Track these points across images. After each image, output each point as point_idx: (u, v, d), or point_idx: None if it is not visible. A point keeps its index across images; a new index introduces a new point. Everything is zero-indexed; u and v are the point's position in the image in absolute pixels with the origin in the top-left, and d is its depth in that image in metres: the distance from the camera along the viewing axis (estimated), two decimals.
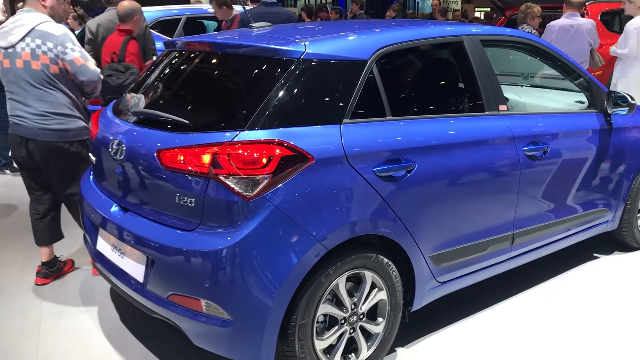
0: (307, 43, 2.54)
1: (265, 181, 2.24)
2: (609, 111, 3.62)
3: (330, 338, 2.52)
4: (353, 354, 2.64)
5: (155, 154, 2.43)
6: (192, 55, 2.91)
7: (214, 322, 2.32)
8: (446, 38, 3.07)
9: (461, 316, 3.24)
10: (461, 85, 3.18)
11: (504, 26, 7.33)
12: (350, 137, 2.45)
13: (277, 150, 2.27)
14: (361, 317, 2.61)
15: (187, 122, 2.48)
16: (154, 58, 5.04)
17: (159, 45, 5.65)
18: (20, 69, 3.45)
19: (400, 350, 2.91)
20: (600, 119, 3.62)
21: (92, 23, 5.51)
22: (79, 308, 3.35)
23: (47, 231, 3.70)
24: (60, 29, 3.49)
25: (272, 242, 2.27)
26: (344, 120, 2.48)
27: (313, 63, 2.49)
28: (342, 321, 2.55)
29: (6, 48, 3.47)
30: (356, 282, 2.61)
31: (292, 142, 2.31)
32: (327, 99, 2.50)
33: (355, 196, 2.45)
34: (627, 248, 4.13)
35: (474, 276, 3.09)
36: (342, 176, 2.41)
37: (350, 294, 2.57)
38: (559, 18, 6.31)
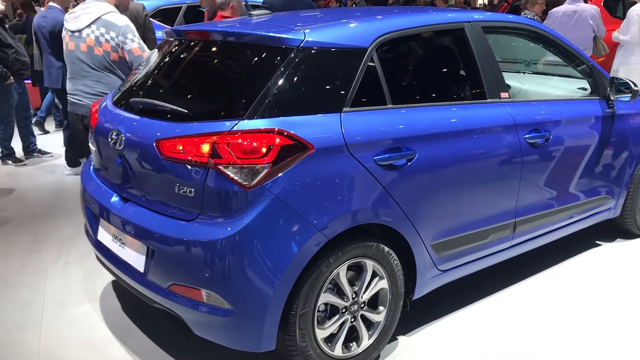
0: (306, 31, 2.51)
1: (265, 171, 2.23)
2: (612, 98, 3.59)
3: (331, 327, 2.52)
4: (354, 343, 2.64)
5: (154, 144, 2.42)
6: (192, 44, 2.89)
7: (215, 312, 2.32)
8: (447, 25, 3.04)
9: (463, 304, 3.23)
10: (462, 72, 3.16)
11: (507, 12, 7.28)
12: (351, 125, 2.44)
13: (277, 140, 2.26)
14: (362, 306, 2.61)
15: (186, 111, 2.46)
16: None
17: (159, 34, 5.63)
18: (83, 52, 3.95)
19: (401, 339, 2.92)
20: (603, 106, 3.59)
21: None
22: (81, 298, 3.36)
23: None
24: (123, 20, 3.94)
25: (273, 232, 2.26)
26: (344, 109, 2.46)
27: (313, 51, 2.47)
28: (343, 310, 2.55)
29: (73, 32, 3.95)
30: (357, 271, 2.60)
31: (292, 131, 2.29)
32: (327, 87, 2.48)
33: (356, 185, 2.44)
34: (629, 235, 4.12)
35: (475, 264, 3.09)
36: (342, 165, 2.39)
37: (351, 283, 2.57)
38: (562, 4, 6.25)
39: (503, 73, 3.16)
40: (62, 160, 6.03)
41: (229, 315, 2.30)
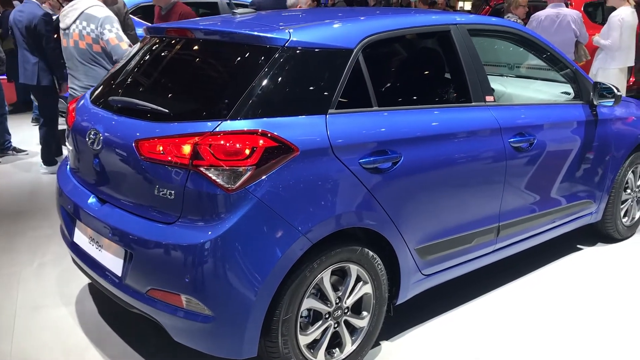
0: (291, 30, 2.46)
1: (249, 173, 2.18)
2: (595, 103, 3.60)
3: (314, 333, 2.47)
4: (337, 349, 2.60)
5: (133, 144, 2.35)
6: (173, 42, 2.81)
7: (195, 318, 2.26)
8: (433, 27, 3.01)
9: (446, 309, 3.21)
10: (448, 75, 3.13)
11: (489, 15, 7.31)
12: (336, 127, 2.39)
13: (261, 141, 2.20)
14: (346, 311, 2.56)
15: (167, 111, 2.40)
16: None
17: (139, 31, 5.53)
18: (72, 47, 4.21)
19: (385, 344, 2.88)
20: (586, 111, 3.60)
21: None
22: (56, 301, 3.26)
23: None
24: (104, 12, 4.09)
25: (255, 236, 2.20)
26: (330, 111, 2.41)
27: (298, 51, 2.42)
28: (327, 315, 2.50)
29: (64, 29, 4.21)
30: (341, 276, 2.56)
31: (276, 133, 2.24)
32: (312, 88, 2.43)
33: (341, 188, 2.39)
34: (610, 240, 4.14)
35: (459, 268, 3.06)
36: (327, 168, 2.35)
37: (335, 288, 2.52)
38: (545, 8, 6.28)
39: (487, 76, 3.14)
40: (38, 159, 5.90)
41: (210, 322, 2.24)
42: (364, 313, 2.65)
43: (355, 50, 2.53)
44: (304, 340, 2.44)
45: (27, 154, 6.42)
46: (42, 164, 5.78)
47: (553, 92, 3.95)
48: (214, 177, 2.16)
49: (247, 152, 2.18)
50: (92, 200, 2.65)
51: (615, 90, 3.56)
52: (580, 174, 3.61)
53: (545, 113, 3.41)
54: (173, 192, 2.24)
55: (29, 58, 5.56)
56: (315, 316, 2.50)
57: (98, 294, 3.25)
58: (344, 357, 2.60)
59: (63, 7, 4.83)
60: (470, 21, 3.15)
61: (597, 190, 3.78)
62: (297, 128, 2.32)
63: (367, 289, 2.61)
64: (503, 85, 4.08)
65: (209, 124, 2.24)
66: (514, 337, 2.98)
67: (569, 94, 3.76)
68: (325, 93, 2.43)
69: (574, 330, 3.05)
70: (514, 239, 3.32)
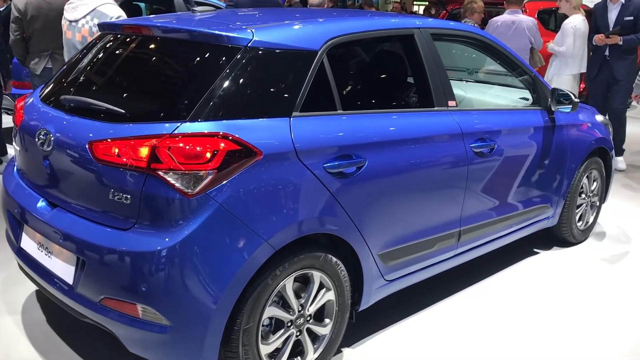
0: (254, 30, 2.39)
1: (210, 177, 2.09)
2: (553, 109, 3.65)
3: (276, 342, 2.40)
4: (299, 358, 2.53)
5: (87, 146, 2.23)
6: (129, 39, 2.70)
7: (151, 328, 2.15)
8: (397, 30, 2.98)
9: (406, 314, 3.19)
10: (411, 79, 3.12)
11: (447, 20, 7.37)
12: (300, 131, 2.33)
13: (222, 144, 2.12)
14: (308, 318, 2.50)
15: (123, 111, 2.29)
16: None
17: None
18: (78, 41, 4.11)
19: (346, 351, 2.83)
20: (544, 117, 3.65)
21: (19, 1, 5.11)
22: (0, 310, 3.08)
23: None
24: (115, 11, 4.03)
25: (216, 243, 2.12)
26: (294, 114, 2.35)
27: (260, 52, 2.35)
28: (289, 324, 2.43)
29: (71, 21, 4.11)
30: (303, 283, 2.50)
31: (238, 136, 2.16)
32: (275, 90, 2.37)
33: (305, 193, 2.33)
34: (565, 244, 4.21)
35: (420, 273, 3.05)
36: (291, 172, 2.28)
37: (297, 295, 2.46)
38: (502, 14, 6.38)
39: None
40: None
41: (167, 332, 2.14)
42: (327, 320, 2.59)
43: (319, 52, 2.48)
44: (265, 349, 2.37)
45: None
46: None
47: (512, 97, 3.99)
48: (172, 181, 2.07)
49: (208, 155, 2.10)
50: (41, 204, 2.51)
51: (573, 97, 3.62)
52: (539, 179, 3.65)
53: (506, 118, 3.44)
54: (129, 196, 2.13)
55: None
56: (276, 324, 2.43)
57: (46, 302, 3.09)
58: None
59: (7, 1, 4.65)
60: (433, 25, 3.14)
61: (554, 194, 3.84)
62: (260, 131, 2.25)
63: (330, 295, 2.56)
64: (463, 90, 4.11)
65: (168, 125, 2.15)
66: (473, 342, 2.98)
67: (527, 99, 3.80)
68: (289, 95, 2.37)
69: (530, 333, 3.08)
70: (474, 243, 3.33)
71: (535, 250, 4.14)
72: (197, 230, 2.09)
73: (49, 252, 2.46)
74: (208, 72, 2.30)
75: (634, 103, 8.14)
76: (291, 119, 2.34)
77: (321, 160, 2.38)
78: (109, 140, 2.19)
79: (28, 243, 2.61)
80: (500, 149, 3.24)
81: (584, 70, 6.41)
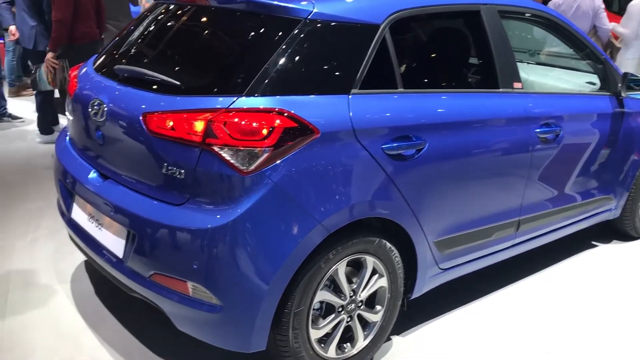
0: (314, 1, 2.27)
1: (265, 155, 2.01)
2: (623, 94, 3.43)
3: (326, 327, 2.33)
4: (348, 344, 2.46)
5: (140, 118, 2.17)
6: (186, 9, 2.62)
7: (201, 307, 2.10)
8: (462, 6, 2.81)
9: (460, 303, 3.07)
10: (476, 58, 2.95)
11: None
12: (359, 109, 2.22)
13: (278, 121, 2.03)
14: (359, 304, 2.42)
15: (178, 83, 2.21)
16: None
17: None
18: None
19: (396, 339, 2.74)
20: (613, 103, 3.43)
21: None
22: (50, 279, 3.10)
23: None
24: None
25: (270, 223, 2.04)
26: (353, 91, 2.24)
27: (320, 24, 2.23)
28: (340, 309, 2.35)
29: None
30: (355, 267, 2.41)
31: (294, 112, 2.06)
32: (334, 65, 2.25)
33: (362, 175, 2.23)
34: (626, 237, 4.00)
35: (476, 263, 2.92)
36: (348, 153, 2.18)
37: (349, 280, 2.37)
38: None
39: None
40: (34, 127, 5.70)
41: (217, 311, 2.09)
42: (378, 307, 2.50)
43: (382, 26, 2.35)
44: (315, 334, 2.29)
45: (24, 121, 6.21)
46: (38, 132, 5.59)
47: (576, 81, 3.78)
48: (227, 158, 2.00)
49: (265, 132, 2.01)
50: (93, 175, 2.48)
51: None
52: (602, 169, 3.46)
53: (572, 103, 3.24)
54: (183, 171, 2.07)
55: (27, 21, 5.33)
56: (327, 309, 2.35)
57: (95, 273, 3.09)
58: (355, 352, 2.46)
59: None
60: (501, 2, 2.96)
61: (618, 186, 3.63)
62: (318, 108, 2.15)
63: (383, 282, 2.46)
64: (524, 72, 3.90)
65: (223, 99, 2.07)
66: (528, 334, 2.85)
67: (593, 84, 3.59)
68: (349, 71, 2.26)
69: (585, 327, 2.94)
70: (533, 233, 3.18)
71: (594, 242, 3.94)
72: (251, 209, 2.01)
73: (100, 224, 2.43)
74: (266, 45, 2.20)
75: None
76: (350, 96, 2.22)
77: (379, 141, 2.26)
78: (163, 112, 2.13)
79: (79, 214, 2.59)
80: (565, 135, 3.06)
81: None
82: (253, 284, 2.05)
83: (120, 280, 2.36)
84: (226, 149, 2.00)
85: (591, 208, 3.51)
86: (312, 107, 2.13)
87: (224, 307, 2.07)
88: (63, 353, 2.53)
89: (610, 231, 4.01)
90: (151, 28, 2.70)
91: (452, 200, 2.62)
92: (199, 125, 2.02)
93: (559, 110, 3.08)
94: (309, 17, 2.21)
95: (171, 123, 2.08)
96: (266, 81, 2.09)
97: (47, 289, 3.01)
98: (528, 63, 4.28)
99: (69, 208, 2.68)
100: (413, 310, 2.84)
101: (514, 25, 3.78)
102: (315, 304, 2.27)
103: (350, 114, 2.19)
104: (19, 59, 7.23)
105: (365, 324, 2.49)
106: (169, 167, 2.10)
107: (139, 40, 2.67)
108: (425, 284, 2.67)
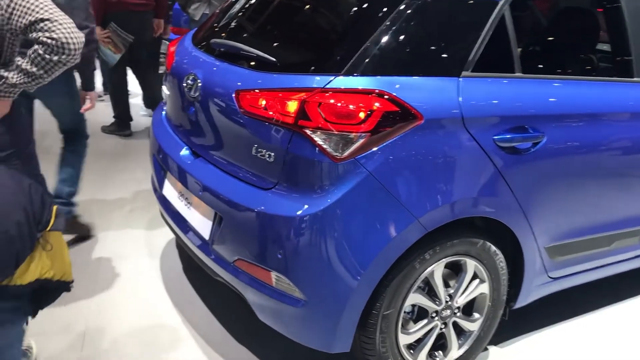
0: None
1: (361, 141, 1.82)
2: None
3: (417, 333, 2.13)
4: (440, 352, 2.25)
5: (233, 95, 2.05)
6: None
7: (283, 299, 1.98)
8: None
9: (569, 314, 2.77)
10: (608, 42, 2.59)
11: None
12: (470, 94, 1.98)
13: (377, 104, 1.83)
14: (456, 311, 2.20)
15: (274, 60, 2.07)
16: None
17: None
18: None
19: (493, 349, 2.50)
20: None
21: None
22: (141, 253, 3.12)
23: None
24: None
25: (362, 216, 1.86)
26: (464, 73, 1.99)
27: None
28: (434, 314, 2.14)
29: None
30: (454, 270, 2.18)
31: (396, 95, 1.86)
32: (444, 44, 2.02)
33: (469, 169, 1.99)
34: None
35: (592, 273, 2.60)
36: (455, 142, 1.95)
37: (446, 284, 2.15)
38: None
39: None
40: (140, 100, 5.84)
41: (300, 306, 1.95)
42: (476, 315, 2.27)
43: (501, 1, 2.08)
44: (404, 339, 2.11)
45: (130, 94, 6.39)
46: (143, 105, 5.73)
47: None
48: (320, 142, 1.83)
49: (362, 115, 1.82)
50: (184, 152, 2.41)
51: None
52: None
53: None
54: (272, 154, 1.93)
55: None
56: (419, 314, 2.15)
57: (185, 251, 3.06)
58: None
59: None
60: None
61: None
62: (423, 91, 1.93)
63: (484, 288, 2.22)
64: None
65: (320, 78, 1.90)
66: None
67: None
68: (461, 51, 2.01)
69: None
70: None
71: None
72: (342, 199, 1.84)
73: (189, 202, 2.37)
74: (369, 20, 2.00)
75: None
76: (460, 79, 1.98)
77: (491, 131, 2.01)
78: (257, 90, 2.00)
79: (169, 190, 2.55)
80: None
81: None
82: (340, 280, 1.89)
83: (205, 263, 2.29)
84: (319, 133, 1.83)
85: None
86: (416, 89, 1.92)
87: (308, 302, 1.93)
88: (146, 329, 2.52)
89: None
90: (250, 3, 2.58)
91: (569, 202, 2.31)
92: (292, 106, 1.87)
93: None
94: None
95: (264, 102, 1.95)
96: (367, 60, 1.90)
97: (137, 263, 3.02)
98: None
99: (161, 184, 2.65)
100: (515, 319, 2.57)
101: None
102: (407, 307, 2.07)
103: (460, 99, 1.96)
104: None
105: (460, 332, 2.27)
106: (259, 149, 1.98)
107: (237, 16, 2.56)
108: (531, 293, 2.39)
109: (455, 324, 2.23)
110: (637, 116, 2.40)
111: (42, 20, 1.76)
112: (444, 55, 2.01)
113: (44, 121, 3.28)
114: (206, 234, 2.22)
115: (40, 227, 1.62)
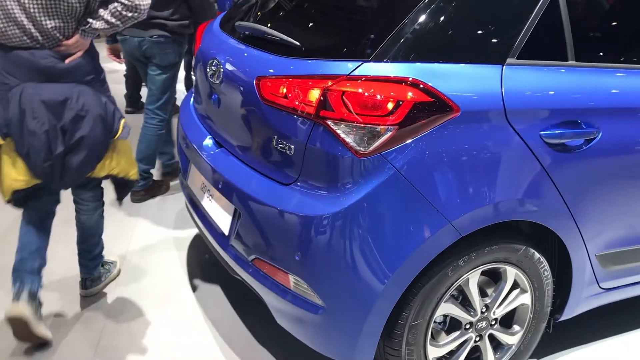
0: None
1: (388, 134, 1.64)
2: None
3: (449, 345, 1.95)
4: None
5: (254, 82, 1.90)
6: None
7: (301, 304, 1.83)
8: None
9: (619, 329, 2.52)
10: None
11: None
12: (515, 84, 1.76)
13: (410, 93, 1.65)
14: (492, 323, 2.00)
15: (298, 43, 1.90)
16: None
17: None
18: None
19: None
20: None
21: None
22: (168, 244, 3.05)
23: None
24: None
25: (387, 217, 1.69)
26: (508, 60, 1.77)
27: None
28: (467, 326, 1.95)
29: None
30: (492, 278, 1.98)
31: (430, 84, 1.66)
32: (488, 27, 1.80)
33: (510, 167, 1.78)
34: None
35: None
36: (495, 138, 1.74)
37: (483, 293, 1.96)
38: None
39: None
40: (182, 86, 5.79)
41: (319, 312, 1.79)
42: (516, 327, 2.07)
43: None
44: (434, 352, 1.93)
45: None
46: (185, 89, 5.68)
47: None
48: (342, 135, 1.66)
49: (390, 106, 1.64)
50: (208, 142, 2.29)
51: None
52: None
53: None
54: (292, 147, 1.78)
55: None
56: (451, 324, 1.97)
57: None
58: None
59: None
60: None
61: None
62: (461, 80, 1.72)
63: (525, 299, 2.01)
64: None
65: (346, 64, 1.72)
66: None
67: None
68: (505, 36, 1.79)
69: None
70: None
71: None
72: (366, 198, 1.67)
73: (211, 195, 2.25)
74: (402, 1, 1.81)
75: None
76: (504, 67, 1.76)
77: (538, 126, 1.79)
78: (278, 77, 1.84)
79: (193, 181, 2.44)
80: None
81: None
82: (362, 287, 1.72)
83: (223, 258, 2.16)
84: (342, 125, 1.66)
85: None
86: (454, 78, 1.71)
87: (327, 309, 1.77)
88: (165, 321, 2.44)
89: None
90: None
91: (625, 206, 2.06)
92: (314, 94, 1.70)
93: None
94: None
95: (284, 90, 1.79)
96: (399, 44, 1.71)
97: (163, 254, 2.94)
98: None
99: (186, 173, 2.54)
100: (559, 332, 2.35)
101: None
102: (437, 317, 1.89)
103: (503, 90, 1.74)
104: None
105: (497, 345, 2.07)
106: (279, 141, 1.82)
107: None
108: (579, 304, 2.17)
109: (491, 337, 2.03)
110: None
111: None
112: (487, 40, 1.79)
113: None
114: (226, 229, 2.09)
115: (111, 135, 2.22)
